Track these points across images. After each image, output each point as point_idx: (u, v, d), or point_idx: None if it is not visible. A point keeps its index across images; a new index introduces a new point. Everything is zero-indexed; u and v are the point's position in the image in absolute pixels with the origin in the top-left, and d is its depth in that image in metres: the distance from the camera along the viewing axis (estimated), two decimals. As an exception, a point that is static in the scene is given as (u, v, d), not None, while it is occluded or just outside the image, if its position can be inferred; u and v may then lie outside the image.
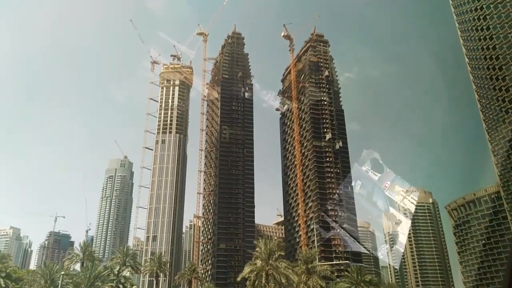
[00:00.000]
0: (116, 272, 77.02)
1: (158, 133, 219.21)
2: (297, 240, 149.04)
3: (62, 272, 51.66)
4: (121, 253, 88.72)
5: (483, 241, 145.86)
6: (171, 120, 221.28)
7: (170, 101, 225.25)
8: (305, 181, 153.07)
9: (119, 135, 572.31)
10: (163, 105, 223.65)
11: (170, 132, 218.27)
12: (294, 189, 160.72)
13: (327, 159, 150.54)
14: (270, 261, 55.03)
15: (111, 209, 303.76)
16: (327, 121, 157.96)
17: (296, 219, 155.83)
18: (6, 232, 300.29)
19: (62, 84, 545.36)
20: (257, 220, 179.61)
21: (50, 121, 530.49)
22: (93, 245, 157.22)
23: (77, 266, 79.25)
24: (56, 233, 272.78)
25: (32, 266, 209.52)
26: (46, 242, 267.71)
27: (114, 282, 71.83)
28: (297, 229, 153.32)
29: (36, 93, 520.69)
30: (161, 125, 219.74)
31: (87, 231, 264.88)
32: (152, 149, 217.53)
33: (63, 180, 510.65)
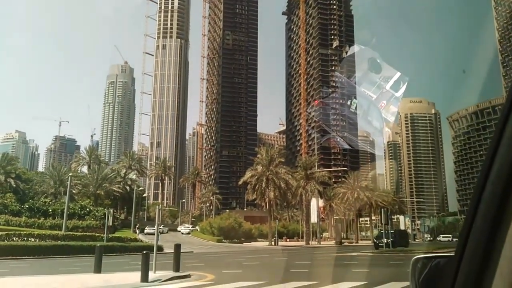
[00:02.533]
0: (123, 175, 79.56)
1: (158, 37, 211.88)
2: (298, 148, 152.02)
3: (70, 174, 52.86)
4: (127, 157, 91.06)
5: (481, 152, 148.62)
6: (171, 24, 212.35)
7: (170, 2, 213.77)
8: (308, 90, 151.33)
9: (119, 39, 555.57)
10: (162, 7, 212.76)
11: (171, 37, 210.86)
12: (297, 98, 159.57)
13: (333, 68, 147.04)
14: (271, 167, 56.28)
15: (114, 115, 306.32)
16: (335, 27, 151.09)
17: (297, 128, 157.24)
18: (12, 135, 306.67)
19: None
20: (259, 129, 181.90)
21: (52, 25, 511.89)
22: (99, 150, 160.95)
23: (84, 169, 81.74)
24: (61, 137, 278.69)
25: (40, 168, 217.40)
26: (53, 146, 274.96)
27: (121, 183, 74.50)
28: (298, 137, 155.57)
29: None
30: (161, 29, 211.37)
31: (92, 136, 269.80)
32: (152, 55, 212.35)
33: (66, 85, 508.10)
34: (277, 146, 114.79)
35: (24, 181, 64.97)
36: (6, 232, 30.41)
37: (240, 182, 64.35)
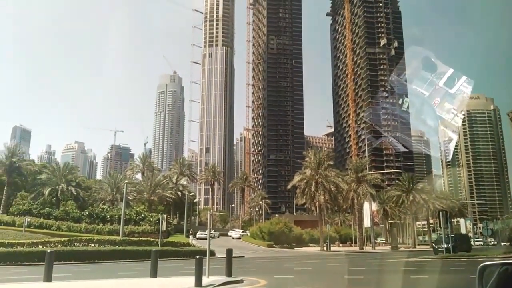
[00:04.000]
0: (175, 181, 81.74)
1: (204, 46, 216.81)
2: (347, 150, 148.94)
3: (126, 181, 55.06)
4: (178, 164, 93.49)
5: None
6: (217, 32, 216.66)
7: (214, 11, 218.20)
8: (356, 90, 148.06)
9: (167, 50, 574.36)
10: (208, 17, 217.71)
11: (217, 45, 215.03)
12: (345, 99, 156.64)
13: (381, 67, 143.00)
14: (320, 170, 55.29)
15: (165, 123, 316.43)
16: (383, 24, 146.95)
17: (346, 129, 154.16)
18: (72, 146, 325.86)
19: (111, 5, 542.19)
20: (307, 132, 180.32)
21: (102, 41, 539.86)
22: (151, 157, 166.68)
23: (138, 176, 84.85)
24: (117, 146, 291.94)
25: (98, 176, 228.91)
26: (109, 155, 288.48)
27: (173, 189, 76.49)
28: (347, 139, 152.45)
29: (92, 16, 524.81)
30: (207, 38, 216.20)
31: (145, 144, 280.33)
32: (199, 63, 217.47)
33: (120, 97, 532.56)
34: (325, 148, 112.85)
35: (83, 189, 68.36)
36: (68, 238, 32.00)
37: (288, 186, 63.88)
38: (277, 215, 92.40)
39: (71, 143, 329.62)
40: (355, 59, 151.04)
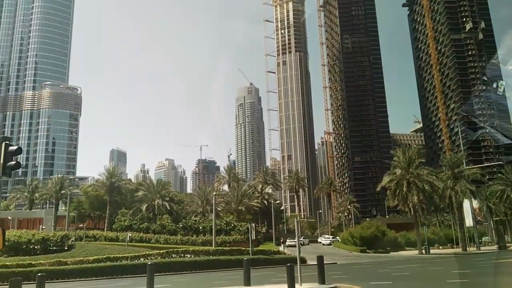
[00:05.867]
0: (260, 190, 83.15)
1: (278, 54, 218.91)
2: (440, 145, 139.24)
3: (214, 193, 57.24)
4: (261, 173, 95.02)
5: None
6: (289, 39, 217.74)
7: (285, 19, 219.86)
8: (444, 81, 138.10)
9: (242, 63, 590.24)
10: (279, 25, 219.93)
11: (290, 52, 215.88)
12: (431, 91, 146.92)
13: (469, 53, 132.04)
14: (410, 169, 52.29)
15: (246, 134, 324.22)
16: (466, 8, 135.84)
17: (436, 123, 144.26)
18: (163, 163, 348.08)
19: (187, 21, 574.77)
20: (392, 130, 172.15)
21: (184, 59, 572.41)
22: (236, 168, 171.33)
23: (225, 187, 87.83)
24: (203, 160, 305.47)
25: (189, 190, 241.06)
26: (197, 169, 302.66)
27: (259, 198, 77.79)
28: (438, 134, 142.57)
29: (168, 29, 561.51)
30: (280, 46, 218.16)
31: (228, 156, 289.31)
32: (274, 72, 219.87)
33: (201, 113, 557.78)
34: (415, 146, 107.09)
35: (176, 202, 72.31)
36: (166, 250, 33.88)
37: (378, 188, 61.38)
38: (367, 219, 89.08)
39: (162, 161, 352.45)
40: (439, 47, 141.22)
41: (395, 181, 52.92)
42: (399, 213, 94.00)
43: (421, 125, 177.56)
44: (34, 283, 12.25)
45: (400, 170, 53.12)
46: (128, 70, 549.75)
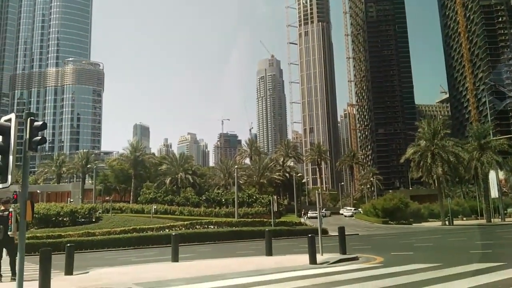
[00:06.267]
0: (281, 163, 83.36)
1: (300, 25, 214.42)
2: (466, 116, 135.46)
3: (236, 166, 57.80)
4: (283, 146, 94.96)
5: None
6: (311, 9, 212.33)
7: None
8: (472, 49, 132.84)
9: (263, 35, 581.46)
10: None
11: (312, 22, 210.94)
12: (459, 60, 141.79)
13: (499, 19, 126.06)
14: (435, 141, 51.32)
15: (267, 107, 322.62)
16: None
17: (463, 93, 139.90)
18: (185, 137, 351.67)
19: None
20: (417, 101, 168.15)
21: (206, 33, 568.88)
22: (257, 142, 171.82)
23: (247, 160, 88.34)
24: (225, 134, 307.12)
25: (211, 163, 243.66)
26: (218, 143, 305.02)
27: (281, 171, 78.08)
28: (465, 104, 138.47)
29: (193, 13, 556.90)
30: (302, 16, 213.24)
31: (250, 130, 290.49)
32: (296, 43, 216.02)
33: (223, 86, 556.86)
34: (440, 116, 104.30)
35: (199, 176, 73.47)
36: (190, 222, 34.68)
37: (401, 160, 60.62)
38: (390, 191, 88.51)
39: (184, 135, 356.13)
40: (468, 14, 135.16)
41: (419, 153, 52.14)
42: (423, 185, 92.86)
43: (447, 95, 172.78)
44: (64, 253, 12.75)
45: (424, 142, 52.23)
46: (148, 45, 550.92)
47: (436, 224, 51.81)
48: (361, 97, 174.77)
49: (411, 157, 53.54)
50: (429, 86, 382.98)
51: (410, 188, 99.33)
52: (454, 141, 52.96)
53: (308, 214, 61.34)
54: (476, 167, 53.19)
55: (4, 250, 11.06)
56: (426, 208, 61.61)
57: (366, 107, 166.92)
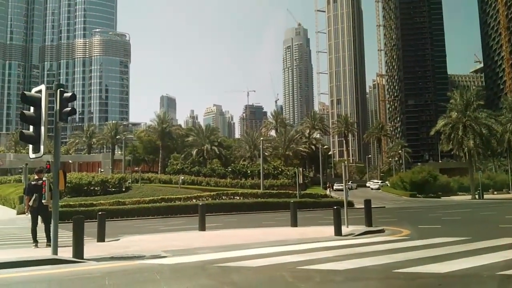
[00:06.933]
0: (307, 135, 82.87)
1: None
2: (501, 87, 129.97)
3: (262, 138, 57.90)
4: (309, 118, 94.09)
5: None
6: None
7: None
8: (510, 16, 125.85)
9: (290, 1, 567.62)
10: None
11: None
12: (495, 28, 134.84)
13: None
14: (468, 112, 49.67)
15: (293, 78, 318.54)
16: None
17: (499, 63, 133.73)
18: (211, 109, 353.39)
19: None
20: (450, 71, 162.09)
21: (228, 7, 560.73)
22: (283, 113, 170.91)
23: (272, 132, 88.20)
24: (250, 105, 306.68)
25: (237, 135, 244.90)
26: (244, 114, 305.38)
27: (307, 143, 77.72)
28: (500, 74, 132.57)
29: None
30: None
31: (276, 101, 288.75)
32: (324, 11, 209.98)
33: (248, 58, 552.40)
34: (474, 87, 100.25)
35: (225, 147, 74.12)
36: (216, 192, 35.25)
37: (431, 133, 59.21)
38: (419, 163, 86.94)
39: (210, 107, 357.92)
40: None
41: (450, 125, 50.72)
42: (453, 158, 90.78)
43: (482, 65, 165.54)
44: (96, 221, 13.23)
45: (456, 113, 50.66)
46: (174, 16, 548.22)
47: (466, 198, 50.84)
48: (391, 67, 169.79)
49: (441, 129, 52.20)
50: (463, 55, 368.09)
51: (440, 161, 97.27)
52: (487, 113, 51.13)
53: (334, 187, 61.21)
54: (509, 140, 51.53)
55: (40, 217, 11.59)
56: (456, 181, 60.36)
57: (396, 77, 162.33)
